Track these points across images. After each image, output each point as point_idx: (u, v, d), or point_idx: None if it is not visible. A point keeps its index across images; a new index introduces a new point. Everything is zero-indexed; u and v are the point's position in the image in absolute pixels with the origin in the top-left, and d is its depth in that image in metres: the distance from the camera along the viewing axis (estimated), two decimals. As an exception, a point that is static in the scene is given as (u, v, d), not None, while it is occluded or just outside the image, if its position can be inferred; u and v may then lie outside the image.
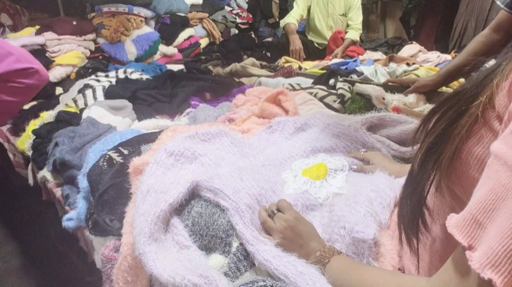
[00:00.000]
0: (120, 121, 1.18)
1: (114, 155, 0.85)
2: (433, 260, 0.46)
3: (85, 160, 0.90)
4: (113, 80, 1.51)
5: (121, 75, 1.57)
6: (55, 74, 1.70)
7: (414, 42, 2.25)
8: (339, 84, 1.27)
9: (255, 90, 1.20)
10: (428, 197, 0.42)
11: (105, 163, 0.83)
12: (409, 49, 2.03)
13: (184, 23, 2.39)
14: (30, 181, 1.24)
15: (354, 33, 2.42)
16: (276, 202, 0.62)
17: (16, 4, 2.08)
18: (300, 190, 0.67)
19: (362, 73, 1.54)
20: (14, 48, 0.92)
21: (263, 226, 0.58)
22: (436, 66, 1.71)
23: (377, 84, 1.35)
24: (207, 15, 2.61)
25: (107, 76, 1.57)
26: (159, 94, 1.33)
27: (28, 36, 1.75)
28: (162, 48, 2.21)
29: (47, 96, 1.58)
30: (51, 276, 1.49)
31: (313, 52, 2.51)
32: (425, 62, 1.79)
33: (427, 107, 1.15)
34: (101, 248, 0.70)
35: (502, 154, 0.29)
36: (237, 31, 2.87)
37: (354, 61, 1.82)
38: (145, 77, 1.58)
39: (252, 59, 1.88)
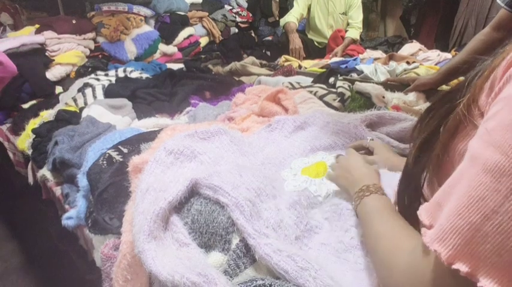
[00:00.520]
0: (119, 120, 1.18)
1: (114, 154, 0.85)
2: None
3: (85, 158, 0.90)
4: (113, 79, 1.51)
5: (121, 74, 1.56)
6: (55, 73, 1.70)
7: (414, 40, 2.25)
8: (338, 83, 1.27)
9: (255, 89, 1.20)
10: (424, 192, 0.43)
11: (104, 162, 0.83)
12: (409, 48, 2.02)
13: (184, 22, 2.39)
14: (30, 180, 1.24)
15: (354, 32, 2.41)
16: (276, 196, 0.63)
17: (15, 3, 2.08)
18: (299, 187, 0.67)
19: (362, 72, 1.54)
20: None
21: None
22: (436, 64, 1.71)
23: (377, 83, 1.34)
24: (207, 14, 2.61)
25: (106, 75, 1.57)
26: (158, 93, 1.33)
27: (28, 35, 1.75)
28: (162, 47, 2.20)
29: (46, 95, 1.58)
30: (51, 274, 1.50)
31: (313, 51, 2.50)
32: (426, 60, 1.79)
33: (427, 106, 1.14)
34: (100, 247, 0.70)
35: (468, 146, 0.32)
36: (236, 30, 2.86)
37: (354, 60, 1.82)
38: (145, 76, 1.58)
39: (251, 58, 1.87)
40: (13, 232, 1.77)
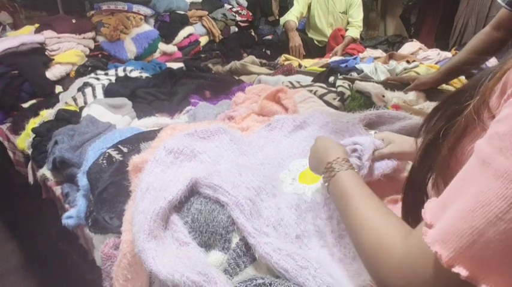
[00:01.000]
0: (119, 119, 1.18)
1: (114, 153, 0.85)
2: None
3: (85, 158, 0.90)
4: (113, 78, 1.51)
5: (120, 74, 1.56)
6: (54, 72, 1.70)
7: (414, 39, 2.25)
8: (338, 82, 1.27)
9: (255, 88, 1.20)
10: (429, 193, 0.42)
11: (104, 161, 0.83)
12: (409, 47, 2.02)
13: (184, 21, 2.38)
14: (30, 179, 1.24)
15: (354, 31, 2.40)
16: (276, 195, 0.63)
17: (14, 2, 2.07)
18: (298, 191, 0.67)
19: (362, 71, 1.53)
20: None
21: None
22: (436, 63, 1.70)
23: (377, 82, 1.34)
24: (207, 13, 2.60)
25: (106, 74, 1.57)
26: (158, 92, 1.33)
27: (27, 34, 1.75)
28: (162, 46, 2.20)
29: (46, 94, 1.58)
30: (52, 274, 1.50)
31: (313, 50, 2.50)
32: (426, 59, 1.79)
33: (427, 105, 1.14)
34: (100, 246, 0.70)
35: (476, 147, 0.32)
36: (236, 29, 2.86)
37: (354, 59, 1.82)
38: (144, 75, 1.58)
39: (251, 57, 1.87)
40: (13, 232, 1.78)
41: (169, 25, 2.28)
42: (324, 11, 2.50)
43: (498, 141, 0.29)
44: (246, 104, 1.11)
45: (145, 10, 2.17)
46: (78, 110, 1.28)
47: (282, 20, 2.49)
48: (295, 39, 2.32)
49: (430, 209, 0.34)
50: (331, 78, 1.35)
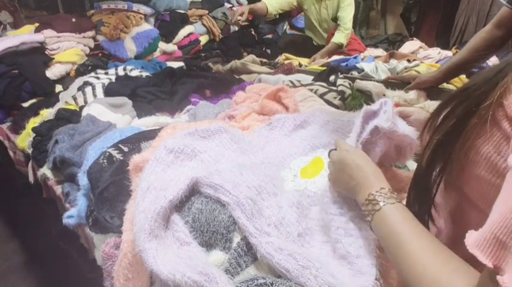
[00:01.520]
0: (120, 118, 1.17)
1: (114, 153, 0.85)
2: None
3: (85, 157, 0.90)
4: (113, 78, 1.50)
5: (121, 73, 1.56)
6: (54, 71, 1.69)
7: (415, 38, 2.24)
8: (339, 81, 1.27)
9: (255, 87, 1.20)
10: (438, 195, 0.41)
11: (105, 160, 0.83)
12: (410, 45, 2.02)
13: (184, 20, 2.38)
14: (31, 179, 1.24)
15: (340, 36, 2.22)
16: (277, 193, 0.62)
17: (14, 1, 2.07)
18: (299, 187, 0.67)
19: (362, 70, 1.53)
20: None
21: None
22: (437, 62, 1.70)
23: (377, 81, 1.34)
24: (207, 12, 2.60)
25: (106, 73, 1.57)
26: (158, 91, 1.33)
27: (27, 33, 1.75)
28: (162, 45, 2.20)
29: (46, 94, 1.58)
30: (53, 273, 1.50)
31: (312, 48, 2.45)
32: (426, 58, 1.79)
33: (428, 104, 1.14)
34: (101, 245, 0.70)
35: (509, 163, 0.29)
36: (236, 28, 2.85)
37: (354, 58, 1.81)
38: (145, 74, 1.57)
39: (252, 56, 1.87)
40: (14, 231, 1.78)
41: (169, 24, 2.27)
42: (316, 19, 2.41)
43: None
44: (246, 103, 1.11)
45: (145, 9, 2.17)
46: (78, 110, 1.28)
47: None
48: (241, 9, 2.04)
49: (479, 246, 0.30)
50: (332, 77, 1.35)
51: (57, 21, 1.81)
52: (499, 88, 0.34)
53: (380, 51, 2.02)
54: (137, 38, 2.03)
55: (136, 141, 0.89)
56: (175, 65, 1.77)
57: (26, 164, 1.31)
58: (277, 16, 3.19)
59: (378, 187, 0.45)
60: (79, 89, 1.43)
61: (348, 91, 1.20)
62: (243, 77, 1.66)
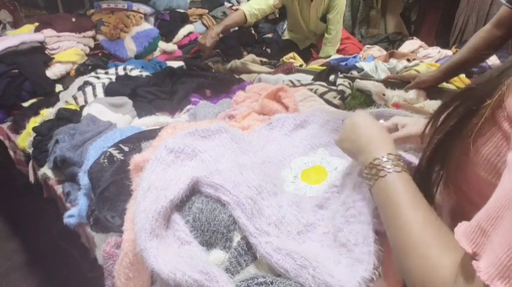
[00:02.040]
0: (120, 118, 1.18)
1: (115, 152, 0.85)
2: None
3: (86, 157, 0.90)
4: (113, 77, 1.50)
5: (121, 72, 1.56)
6: (55, 71, 1.69)
7: (415, 37, 2.24)
8: (339, 81, 1.27)
9: (255, 87, 1.20)
10: (438, 193, 0.42)
11: (105, 160, 0.83)
12: (410, 45, 2.02)
13: (184, 20, 2.38)
14: (31, 178, 1.24)
15: (326, 50, 2.06)
16: (277, 193, 0.62)
17: (14, 1, 2.07)
18: (299, 192, 0.67)
19: (362, 69, 1.53)
20: None
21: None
22: (436, 61, 1.70)
23: (377, 80, 1.35)
24: (207, 11, 2.60)
25: (106, 73, 1.57)
26: (159, 91, 1.33)
27: (27, 33, 1.75)
28: (162, 44, 2.20)
29: (47, 93, 1.58)
30: (54, 272, 1.50)
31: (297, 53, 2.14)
32: (426, 57, 1.79)
33: (427, 103, 1.14)
34: (102, 245, 0.71)
35: (509, 161, 0.29)
36: (236, 27, 2.85)
37: (354, 57, 1.82)
38: (145, 74, 1.57)
39: (252, 56, 1.87)
40: (15, 231, 1.78)
41: (169, 23, 2.27)
42: (304, 18, 2.16)
43: None
44: (246, 103, 1.11)
45: (145, 8, 2.17)
46: (78, 109, 1.28)
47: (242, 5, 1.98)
48: (209, 34, 1.81)
49: (464, 234, 0.31)
50: (332, 77, 1.35)
51: (57, 21, 1.81)
52: (500, 89, 0.34)
53: (377, 49, 1.99)
54: (137, 38, 2.03)
55: (136, 141, 0.89)
56: (175, 64, 1.77)
57: (26, 164, 1.31)
58: (278, 15, 3.19)
59: (385, 151, 0.44)
60: (79, 88, 1.43)
61: (348, 91, 1.20)
62: (243, 76, 1.66)
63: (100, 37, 1.97)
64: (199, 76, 1.50)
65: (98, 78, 1.50)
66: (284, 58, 1.93)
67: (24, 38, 1.64)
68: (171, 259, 0.52)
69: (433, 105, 1.11)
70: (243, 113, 1.01)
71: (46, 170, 1.06)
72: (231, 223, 0.57)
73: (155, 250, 0.53)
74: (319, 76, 1.41)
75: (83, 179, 0.85)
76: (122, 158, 0.83)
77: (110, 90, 1.34)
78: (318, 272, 0.47)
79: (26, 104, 1.51)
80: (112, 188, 0.76)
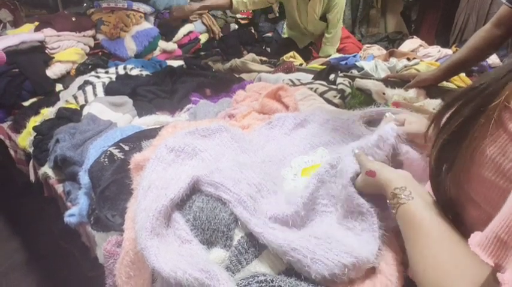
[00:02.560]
0: (120, 117, 1.18)
1: (115, 151, 0.86)
2: None
3: (86, 156, 0.91)
4: (113, 77, 1.51)
5: (121, 72, 1.56)
6: (55, 70, 1.69)
7: (415, 36, 2.24)
8: (339, 80, 1.27)
9: (255, 86, 1.20)
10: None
11: (106, 159, 0.84)
12: (410, 44, 2.01)
13: (184, 19, 2.38)
14: (32, 178, 1.25)
15: (327, 49, 2.08)
16: (277, 191, 0.63)
17: (14, 0, 2.07)
18: (299, 188, 0.67)
19: (362, 68, 1.53)
20: None
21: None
22: (436, 61, 1.70)
23: (377, 79, 1.34)
24: (207, 10, 2.60)
25: (106, 72, 1.57)
26: (159, 90, 1.33)
27: (27, 32, 1.75)
28: (162, 44, 2.20)
29: (47, 93, 1.58)
30: (54, 271, 1.51)
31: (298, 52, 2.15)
32: (426, 56, 1.79)
33: (427, 102, 1.14)
34: (103, 244, 0.71)
35: None
36: (236, 26, 2.85)
37: (354, 56, 1.82)
38: (145, 73, 1.58)
39: (252, 55, 1.87)
40: (16, 230, 1.78)
41: (169, 23, 2.27)
42: (302, 17, 2.13)
43: None
44: (246, 102, 1.11)
45: (145, 8, 2.17)
46: (79, 109, 1.28)
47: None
48: (184, 7, 1.85)
49: (481, 246, 0.31)
50: (332, 76, 1.35)
51: (57, 20, 1.81)
52: (507, 89, 0.33)
53: (377, 48, 1.99)
54: (137, 37, 2.03)
55: (137, 140, 0.89)
56: (175, 63, 1.78)
57: (26, 163, 1.32)
58: (277, 14, 3.19)
59: (398, 184, 0.47)
60: (79, 88, 1.43)
61: (348, 90, 1.20)
62: (243, 75, 1.66)
63: (100, 36, 1.97)
64: (200, 75, 1.51)
65: (98, 77, 1.50)
66: (284, 57, 1.92)
67: (24, 37, 1.64)
68: (172, 257, 0.52)
69: (433, 104, 1.11)
70: (243, 112, 1.01)
71: (46, 169, 1.06)
72: (232, 222, 0.58)
73: (156, 249, 0.53)
74: (319, 75, 1.41)
75: (84, 178, 0.85)
76: (123, 157, 0.83)
77: (110, 90, 1.35)
78: (334, 246, 0.48)
79: (26, 104, 1.51)
80: (112, 187, 0.76)
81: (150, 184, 0.63)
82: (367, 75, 1.45)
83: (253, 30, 3.03)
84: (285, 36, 2.45)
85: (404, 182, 0.48)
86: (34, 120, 1.29)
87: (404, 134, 0.60)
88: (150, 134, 0.90)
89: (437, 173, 0.41)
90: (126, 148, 0.87)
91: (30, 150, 1.19)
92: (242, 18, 2.92)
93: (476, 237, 0.32)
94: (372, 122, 0.85)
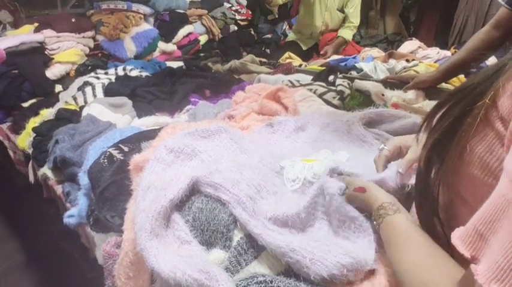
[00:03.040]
0: (120, 118, 1.18)
1: (115, 152, 0.86)
2: None
3: (85, 157, 0.91)
4: (113, 78, 1.51)
5: (120, 73, 1.56)
6: (54, 71, 1.69)
7: (414, 38, 2.25)
8: (338, 81, 1.27)
9: (255, 87, 1.20)
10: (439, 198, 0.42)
11: (105, 160, 0.84)
12: (409, 45, 2.02)
13: (184, 20, 2.38)
14: (31, 179, 1.25)
15: (348, 32, 2.22)
16: (277, 192, 0.63)
17: (14, 1, 2.07)
18: (299, 182, 0.66)
19: (361, 70, 1.54)
20: None
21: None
22: (435, 62, 1.71)
23: (376, 81, 1.35)
24: (206, 11, 2.60)
25: (106, 73, 1.57)
26: (158, 91, 1.33)
27: (27, 33, 1.75)
28: (161, 45, 2.20)
29: (46, 94, 1.58)
30: (53, 272, 1.50)
31: (299, 54, 2.21)
32: (425, 58, 1.79)
33: (426, 103, 1.15)
34: (102, 245, 0.71)
35: (509, 169, 0.29)
36: (236, 28, 2.86)
37: (353, 58, 1.82)
38: (144, 74, 1.58)
39: (251, 56, 1.87)
40: (15, 231, 1.78)
41: (168, 24, 2.28)
42: (322, 7, 2.29)
43: None
44: (246, 103, 1.11)
45: (144, 9, 2.17)
46: (78, 110, 1.28)
47: None
48: None
49: (460, 239, 0.32)
50: (331, 77, 1.36)
51: (57, 21, 1.82)
52: (493, 88, 0.34)
53: (376, 51, 2.01)
54: (137, 38, 2.04)
55: (136, 141, 0.89)
56: (175, 64, 1.78)
57: (26, 164, 1.31)
58: (277, 16, 3.19)
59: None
60: (79, 89, 1.43)
61: (347, 91, 1.21)
62: (243, 77, 1.66)
63: (100, 37, 1.98)
64: (199, 76, 1.51)
65: (98, 78, 1.50)
66: (280, 60, 1.94)
67: (23, 38, 1.64)
68: (171, 258, 0.52)
69: (432, 105, 1.11)
70: (242, 113, 1.01)
71: (46, 170, 1.06)
72: (231, 223, 0.58)
73: (155, 250, 0.53)
74: (319, 76, 1.42)
75: (83, 179, 0.85)
76: (122, 158, 0.83)
77: (110, 91, 1.35)
78: (332, 248, 0.48)
79: (25, 105, 1.51)
80: (112, 188, 0.76)
81: (150, 184, 0.63)
82: (366, 77, 1.46)
83: (252, 32, 3.04)
84: (289, 39, 2.53)
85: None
86: (33, 121, 1.29)
87: (407, 165, 0.58)
88: (150, 135, 0.90)
89: (427, 174, 0.41)
90: (126, 148, 0.87)
91: (30, 151, 1.19)
92: (241, 20, 2.93)
93: (457, 231, 0.33)
94: (371, 124, 0.85)
